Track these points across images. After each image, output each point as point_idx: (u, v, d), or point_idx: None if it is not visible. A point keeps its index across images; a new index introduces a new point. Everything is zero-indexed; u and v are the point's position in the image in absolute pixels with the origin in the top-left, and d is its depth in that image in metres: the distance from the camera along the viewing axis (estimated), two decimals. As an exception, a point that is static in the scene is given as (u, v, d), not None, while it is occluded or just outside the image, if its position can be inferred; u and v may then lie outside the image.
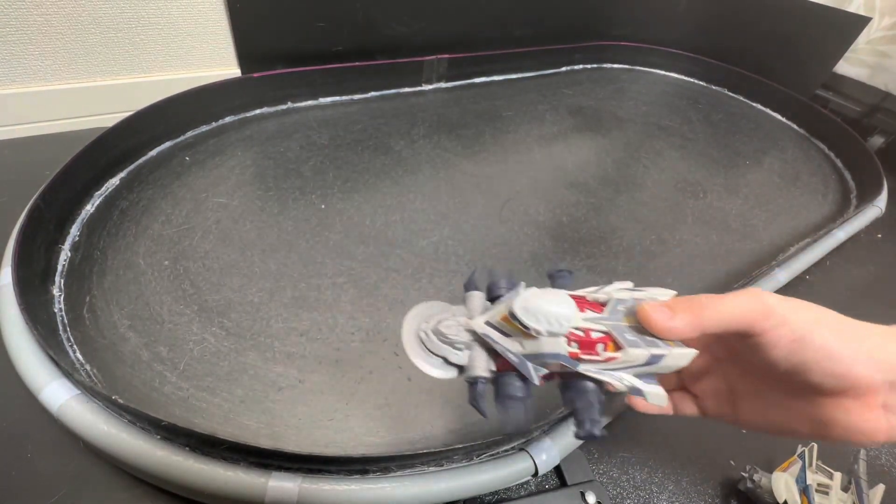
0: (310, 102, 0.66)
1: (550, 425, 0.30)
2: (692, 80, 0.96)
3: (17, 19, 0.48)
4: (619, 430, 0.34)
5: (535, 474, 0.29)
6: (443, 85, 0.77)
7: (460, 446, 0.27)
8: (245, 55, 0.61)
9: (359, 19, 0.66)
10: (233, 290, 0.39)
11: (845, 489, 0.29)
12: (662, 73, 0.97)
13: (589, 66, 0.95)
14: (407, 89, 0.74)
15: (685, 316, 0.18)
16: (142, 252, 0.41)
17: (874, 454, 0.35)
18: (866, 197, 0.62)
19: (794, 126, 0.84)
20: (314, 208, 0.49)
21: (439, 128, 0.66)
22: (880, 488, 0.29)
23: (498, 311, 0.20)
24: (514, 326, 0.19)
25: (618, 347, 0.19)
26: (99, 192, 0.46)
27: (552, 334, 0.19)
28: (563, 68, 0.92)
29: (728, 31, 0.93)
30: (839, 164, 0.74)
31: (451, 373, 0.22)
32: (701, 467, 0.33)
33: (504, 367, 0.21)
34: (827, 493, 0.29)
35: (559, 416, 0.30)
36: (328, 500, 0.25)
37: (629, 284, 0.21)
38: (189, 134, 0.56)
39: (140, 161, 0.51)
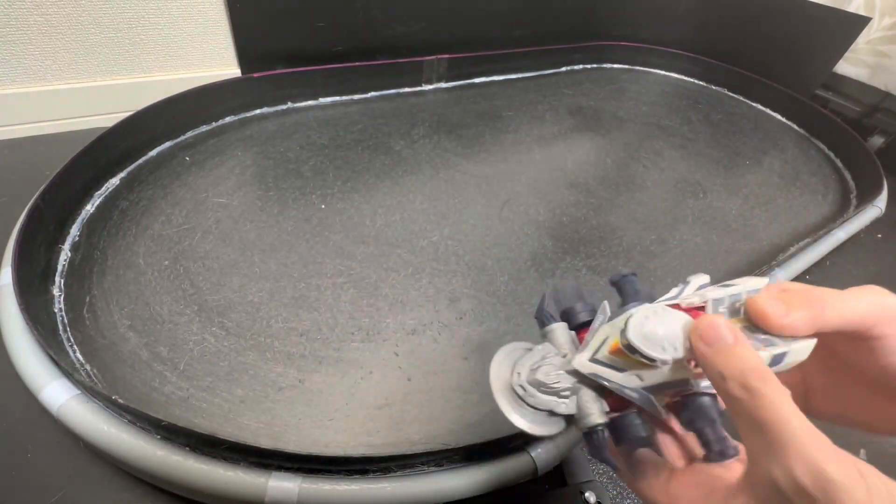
0: (310, 102, 0.66)
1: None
2: (692, 80, 0.96)
3: (18, 19, 0.48)
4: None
5: (536, 474, 0.29)
6: (443, 85, 0.77)
7: (460, 446, 0.27)
8: (245, 55, 0.61)
9: (359, 19, 0.66)
10: (233, 290, 0.39)
11: None
12: (662, 73, 0.97)
13: (589, 67, 0.95)
14: (407, 89, 0.74)
15: (803, 313, 0.16)
16: (142, 252, 0.41)
17: (874, 453, 0.35)
18: (866, 197, 0.62)
19: (794, 126, 0.84)
20: (314, 208, 0.49)
21: (439, 128, 0.66)
22: None
23: (600, 344, 0.18)
24: (630, 360, 0.17)
25: None
26: (99, 192, 0.46)
27: (678, 361, 0.16)
28: (563, 68, 0.92)
29: (728, 31, 0.93)
30: (839, 164, 0.74)
31: (561, 425, 0.19)
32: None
33: (617, 405, 0.18)
34: None
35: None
36: (328, 499, 0.25)
37: (707, 279, 0.19)
38: (189, 134, 0.56)
39: (140, 161, 0.51)
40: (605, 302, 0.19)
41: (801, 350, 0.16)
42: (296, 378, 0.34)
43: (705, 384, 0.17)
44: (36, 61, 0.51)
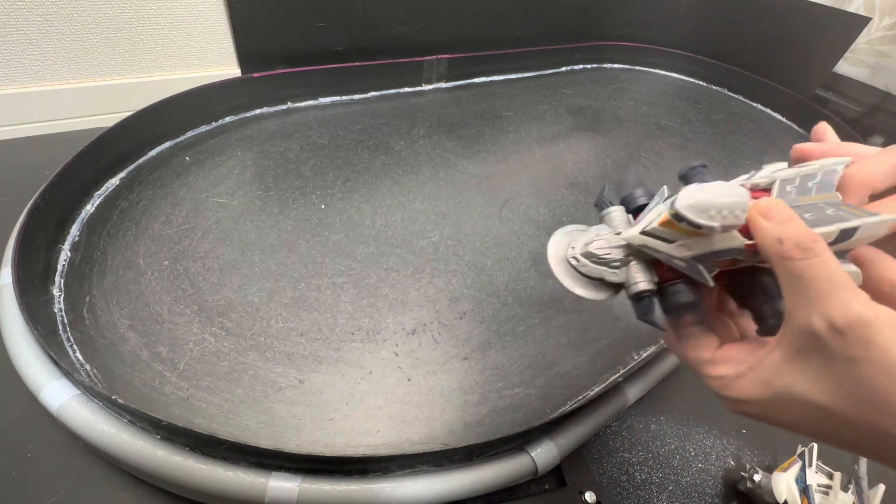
0: (310, 102, 0.66)
1: (550, 425, 0.30)
2: (692, 80, 0.96)
3: (17, 19, 0.48)
4: (619, 429, 0.34)
5: (535, 474, 0.29)
6: (443, 85, 0.77)
7: (460, 447, 0.27)
8: (245, 55, 0.61)
9: (359, 19, 0.66)
10: (233, 290, 0.39)
11: (845, 489, 0.29)
12: (662, 73, 0.97)
13: (589, 67, 0.95)
14: (407, 89, 0.74)
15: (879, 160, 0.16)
16: (142, 252, 0.41)
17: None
18: (866, 197, 0.62)
19: (795, 126, 0.84)
20: (314, 208, 0.49)
21: (439, 128, 0.66)
22: (880, 488, 0.29)
23: (653, 218, 0.18)
24: (678, 230, 0.17)
25: None
26: (99, 192, 0.46)
27: (726, 228, 0.16)
28: (563, 68, 0.92)
29: (728, 31, 0.93)
30: (839, 164, 0.74)
31: (610, 292, 0.21)
32: (701, 468, 0.33)
33: (667, 276, 0.19)
34: (827, 493, 0.29)
35: (559, 415, 0.30)
36: (328, 499, 0.25)
37: (784, 164, 0.19)
38: (189, 134, 0.56)
39: (140, 161, 0.51)
40: (665, 186, 0.20)
41: (875, 225, 0.16)
42: (296, 378, 0.34)
43: (754, 259, 0.17)
44: (36, 61, 0.51)
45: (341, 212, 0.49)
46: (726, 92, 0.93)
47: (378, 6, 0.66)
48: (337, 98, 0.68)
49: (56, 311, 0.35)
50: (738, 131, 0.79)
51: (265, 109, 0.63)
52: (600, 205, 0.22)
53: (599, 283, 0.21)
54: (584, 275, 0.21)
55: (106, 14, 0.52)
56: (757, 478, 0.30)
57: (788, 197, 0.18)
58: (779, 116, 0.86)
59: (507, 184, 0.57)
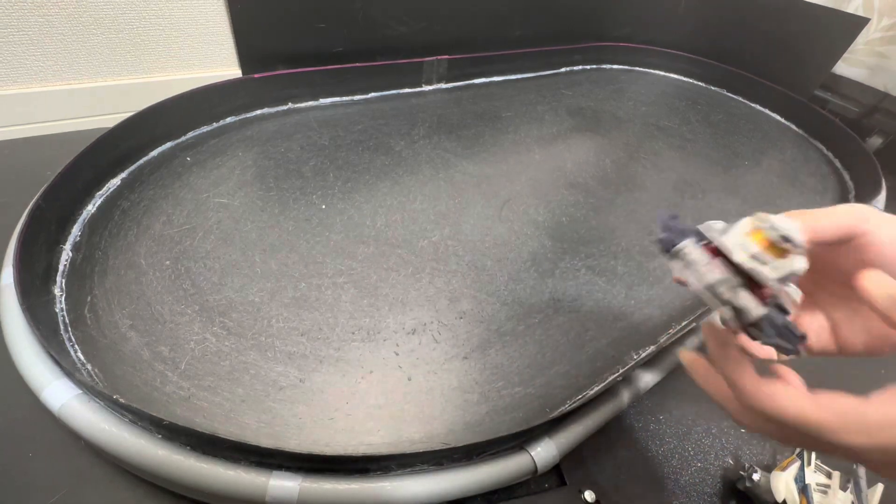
0: (310, 103, 0.66)
1: (550, 425, 0.31)
2: (691, 80, 0.96)
3: (19, 20, 0.48)
4: (618, 429, 0.35)
5: (535, 473, 0.29)
6: (443, 86, 0.77)
7: (460, 445, 0.27)
8: (246, 56, 0.62)
9: (359, 20, 0.66)
10: (234, 290, 0.39)
11: (844, 488, 0.29)
12: (661, 73, 0.98)
13: (588, 67, 0.95)
14: (407, 90, 0.74)
15: (803, 223, 0.19)
16: (143, 252, 0.41)
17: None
18: (865, 197, 0.62)
19: (793, 126, 0.84)
20: (315, 208, 0.49)
21: (439, 128, 0.66)
22: (879, 488, 0.29)
23: (750, 243, 0.20)
24: (774, 252, 0.19)
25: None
26: (100, 192, 0.46)
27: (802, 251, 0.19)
28: (563, 69, 0.92)
29: (727, 31, 0.94)
30: (838, 164, 0.74)
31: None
32: (700, 467, 0.33)
33: (762, 294, 0.20)
34: (826, 493, 0.29)
35: (559, 415, 0.30)
36: (329, 499, 0.26)
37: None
38: (190, 134, 0.56)
39: (141, 161, 0.51)
40: (707, 223, 0.21)
41: (800, 264, 0.19)
42: (296, 377, 0.34)
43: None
44: (37, 62, 0.51)
45: (342, 212, 0.49)
46: (725, 92, 0.93)
47: (378, 7, 0.66)
48: (337, 99, 0.68)
49: (57, 311, 0.35)
50: (737, 132, 0.79)
51: (266, 110, 0.63)
52: (670, 246, 0.22)
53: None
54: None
55: (107, 15, 0.52)
56: (756, 477, 0.30)
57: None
58: (777, 117, 0.87)
59: (507, 184, 0.57)
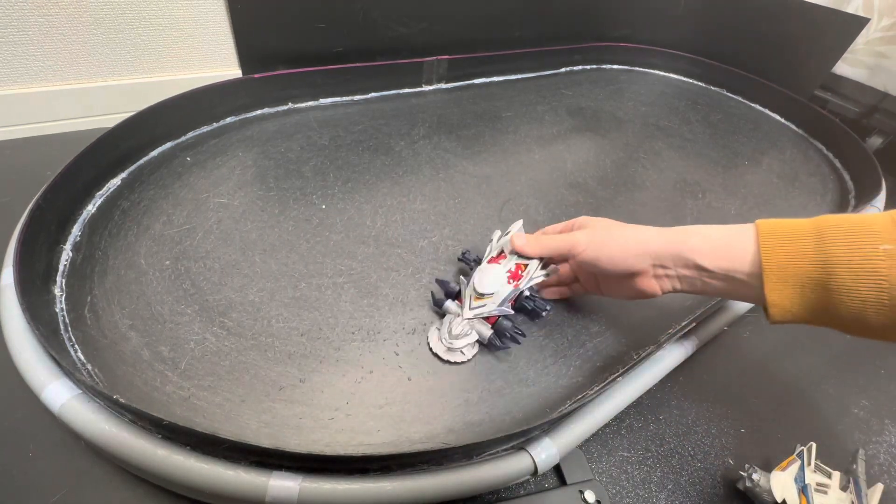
0: (310, 103, 0.66)
1: (550, 425, 0.31)
2: (691, 80, 0.96)
3: (19, 20, 0.48)
4: (618, 429, 0.35)
5: (535, 473, 0.29)
6: (443, 86, 0.77)
7: (460, 445, 0.27)
8: (246, 56, 0.62)
9: (359, 20, 0.66)
10: (234, 290, 0.39)
11: (844, 488, 0.29)
12: (661, 73, 0.98)
13: (588, 67, 0.95)
14: (407, 90, 0.74)
15: (534, 245, 0.36)
16: (143, 252, 0.41)
17: (872, 453, 0.35)
18: (865, 197, 0.62)
19: (793, 126, 0.84)
20: (315, 208, 0.49)
21: (439, 128, 0.66)
22: (879, 487, 0.29)
23: (469, 300, 0.37)
24: (484, 298, 0.37)
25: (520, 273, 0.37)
26: (100, 192, 0.46)
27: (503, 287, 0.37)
28: (563, 69, 0.92)
29: (727, 31, 0.94)
30: (838, 164, 0.74)
31: (476, 347, 0.37)
32: (700, 466, 0.33)
33: (492, 321, 0.37)
34: (825, 493, 0.29)
35: (559, 415, 0.30)
36: (329, 499, 0.26)
37: (499, 232, 0.42)
38: (190, 134, 0.57)
39: (141, 161, 0.51)
40: (462, 277, 0.39)
41: (533, 263, 0.37)
42: (296, 377, 0.34)
43: (521, 289, 0.37)
44: (37, 62, 0.51)
45: (342, 212, 0.49)
46: (725, 92, 0.93)
47: (378, 7, 0.66)
48: (337, 99, 0.68)
49: (57, 310, 0.35)
50: (737, 132, 0.79)
51: (266, 110, 0.63)
52: (438, 304, 0.39)
53: (470, 346, 0.37)
54: (458, 348, 0.36)
55: (107, 15, 0.52)
56: (755, 477, 0.30)
57: (510, 250, 0.38)
58: (777, 117, 0.87)
59: (507, 184, 0.57)
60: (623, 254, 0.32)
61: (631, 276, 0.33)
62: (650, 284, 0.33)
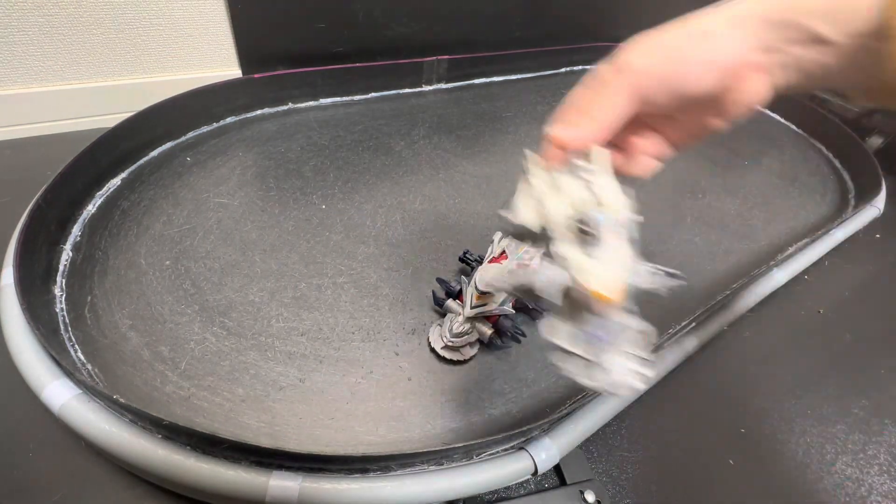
0: (310, 103, 0.66)
1: (550, 425, 0.31)
2: (691, 80, 0.96)
3: (19, 20, 0.48)
4: (618, 429, 0.35)
5: (535, 473, 0.29)
6: (443, 86, 0.77)
7: (460, 445, 0.27)
8: (246, 56, 0.62)
9: (359, 20, 0.66)
10: (234, 290, 0.39)
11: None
12: (662, 73, 0.97)
13: (588, 67, 0.95)
14: (407, 90, 0.74)
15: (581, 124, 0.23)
16: (143, 252, 0.41)
17: (873, 453, 0.35)
18: (865, 197, 0.62)
19: (793, 126, 0.84)
20: (315, 208, 0.49)
21: (439, 128, 0.66)
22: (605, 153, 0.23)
23: (471, 299, 0.36)
24: (485, 297, 0.36)
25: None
26: (100, 192, 0.46)
27: (499, 288, 0.34)
28: (563, 69, 0.92)
29: (727, 32, 0.93)
30: (837, 164, 0.74)
31: (477, 346, 0.37)
32: (699, 466, 0.33)
33: (492, 320, 0.37)
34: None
35: (559, 415, 0.30)
36: (329, 498, 0.26)
37: (499, 234, 0.41)
38: (190, 134, 0.57)
39: (141, 161, 0.51)
40: (462, 276, 0.40)
41: (534, 263, 0.37)
42: (296, 377, 0.34)
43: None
44: (37, 62, 0.51)
45: (342, 212, 0.49)
46: (725, 93, 0.93)
47: (378, 7, 0.66)
48: (337, 99, 0.68)
49: (57, 310, 0.35)
50: (737, 131, 0.78)
51: (266, 110, 0.63)
52: (438, 303, 0.39)
53: (469, 346, 0.36)
54: (458, 347, 0.36)
55: (107, 15, 0.52)
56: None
57: (512, 250, 0.38)
58: (777, 117, 0.87)
59: (507, 184, 0.57)
60: (709, 47, 0.20)
61: (726, 81, 0.21)
62: (752, 86, 0.21)
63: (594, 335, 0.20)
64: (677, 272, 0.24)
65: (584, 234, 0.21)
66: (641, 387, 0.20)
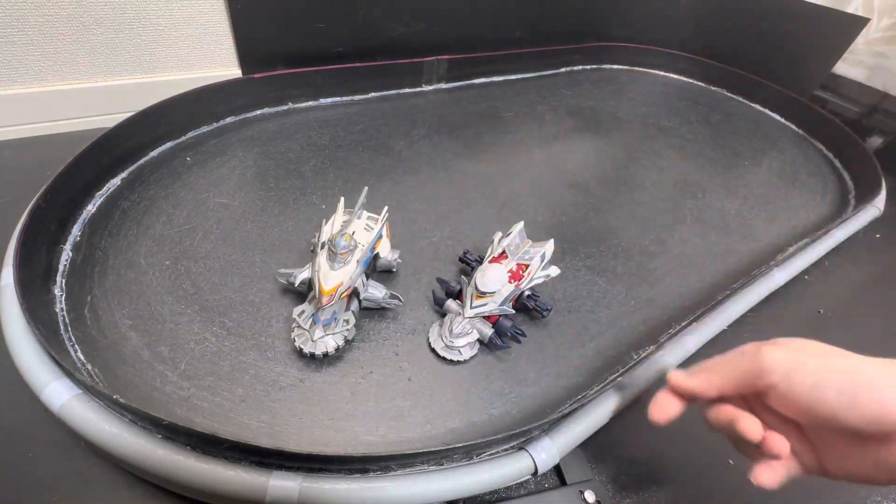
0: (310, 103, 0.66)
1: (550, 425, 0.31)
2: (691, 80, 0.96)
3: (19, 20, 0.48)
4: (618, 429, 0.35)
5: (535, 473, 0.29)
6: (443, 86, 0.77)
7: (460, 445, 0.27)
8: (246, 56, 0.62)
9: (359, 20, 0.66)
10: (234, 290, 0.39)
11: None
12: (661, 73, 0.98)
13: (588, 67, 0.95)
14: (407, 90, 0.74)
15: (698, 376, 0.25)
16: (143, 252, 0.41)
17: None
18: (865, 197, 0.62)
19: (793, 126, 0.84)
20: (315, 208, 0.49)
21: (439, 128, 0.66)
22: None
23: (471, 299, 0.37)
24: (485, 297, 0.36)
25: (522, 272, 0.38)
26: (100, 192, 0.46)
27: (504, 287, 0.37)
28: (563, 69, 0.92)
29: (727, 31, 0.94)
30: (838, 164, 0.74)
31: (476, 346, 0.37)
32: (699, 466, 0.33)
33: (492, 320, 0.37)
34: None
35: (559, 415, 0.30)
36: (329, 498, 0.26)
37: (500, 234, 0.42)
38: (190, 134, 0.57)
39: (141, 161, 0.51)
40: (462, 276, 0.40)
41: (535, 263, 0.39)
42: (296, 377, 0.34)
43: (522, 286, 0.38)
44: (37, 62, 0.51)
45: (342, 212, 0.49)
46: (725, 92, 0.93)
47: (378, 7, 0.66)
48: (337, 99, 0.68)
49: (57, 310, 0.35)
50: (737, 131, 0.79)
51: (266, 110, 0.63)
52: (439, 304, 0.39)
53: (470, 346, 0.37)
54: (458, 347, 0.36)
55: (107, 15, 0.52)
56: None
57: (512, 251, 0.40)
58: (777, 117, 0.87)
59: (507, 184, 0.57)
60: (875, 389, 0.18)
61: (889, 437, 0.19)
62: None
63: (315, 317, 0.34)
64: (398, 295, 0.38)
65: (333, 252, 0.33)
66: (325, 351, 0.33)
